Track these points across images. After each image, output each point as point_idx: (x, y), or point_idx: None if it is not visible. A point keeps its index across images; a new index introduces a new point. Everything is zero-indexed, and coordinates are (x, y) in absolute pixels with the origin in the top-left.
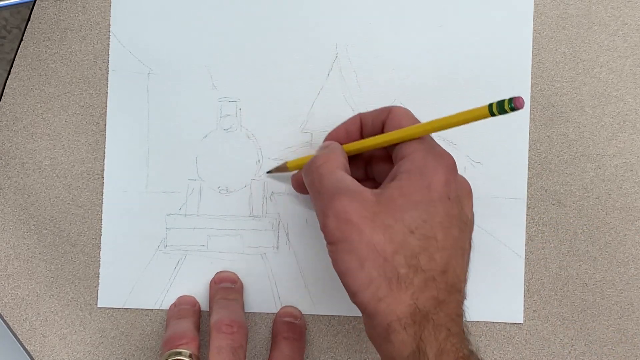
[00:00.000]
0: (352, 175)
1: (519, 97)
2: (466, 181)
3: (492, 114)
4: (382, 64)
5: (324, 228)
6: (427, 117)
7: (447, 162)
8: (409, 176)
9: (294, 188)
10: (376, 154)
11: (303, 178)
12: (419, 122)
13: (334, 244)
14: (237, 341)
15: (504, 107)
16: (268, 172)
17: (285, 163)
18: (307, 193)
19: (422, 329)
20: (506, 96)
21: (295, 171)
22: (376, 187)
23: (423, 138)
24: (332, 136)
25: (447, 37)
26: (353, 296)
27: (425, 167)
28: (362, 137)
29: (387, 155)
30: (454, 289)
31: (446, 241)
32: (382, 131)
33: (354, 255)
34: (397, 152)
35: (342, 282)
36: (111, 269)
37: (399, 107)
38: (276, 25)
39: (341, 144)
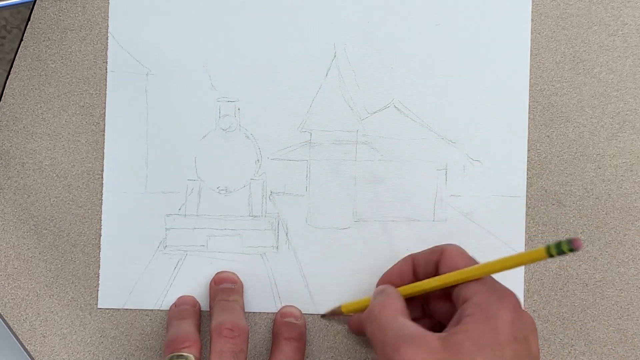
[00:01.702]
0: (410, 314)
1: (577, 239)
2: (530, 317)
3: (551, 256)
4: (381, 63)
5: None
6: (426, 116)
7: (511, 300)
8: (474, 319)
9: (352, 331)
10: (433, 293)
11: (364, 327)
12: (473, 259)
13: None
14: (238, 345)
15: (562, 248)
16: (322, 316)
17: (340, 307)
18: (364, 335)
19: None
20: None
21: (350, 314)
22: (434, 325)
23: (483, 278)
24: (384, 279)
25: (445, 36)
26: None
27: (489, 309)
28: (415, 278)
29: (445, 293)
30: None
31: None
32: (436, 271)
33: None
34: (458, 294)
35: None
36: (111, 269)
37: (452, 246)
38: (275, 24)
39: (395, 286)
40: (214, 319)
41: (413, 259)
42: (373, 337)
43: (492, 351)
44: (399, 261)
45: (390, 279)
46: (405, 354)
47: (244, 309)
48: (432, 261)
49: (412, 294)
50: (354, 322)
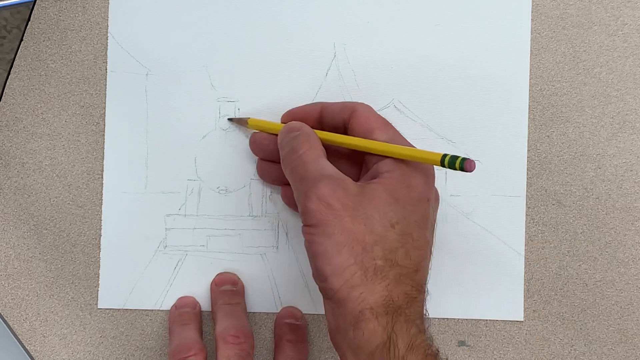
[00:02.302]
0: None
1: (470, 161)
2: (437, 191)
3: (442, 164)
4: (380, 63)
5: (304, 210)
6: (426, 116)
7: (426, 167)
8: (390, 175)
9: (252, 149)
10: (337, 151)
11: (283, 166)
12: (384, 120)
13: (312, 226)
14: (245, 350)
15: (455, 164)
16: (229, 119)
17: (247, 119)
18: (260, 156)
19: (394, 320)
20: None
21: (253, 131)
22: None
23: (402, 143)
24: (290, 116)
25: (444, 36)
26: (324, 280)
27: (406, 168)
28: (320, 126)
29: (352, 154)
30: (422, 289)
31: (421, 241)
32: (343, 126)
33: (332, 240)
34: (372, 158)
35: (314, 266)
36: (111, 269)
37: (362, 106)
38: (274, 24)
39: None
40: (218, 325)
41: (322, 108)
42: (293, 173)
43: (404, 204)
44: (308, 104)
45: (295, 117)
46: (323, 188)
47: (246, 311)
48: (342, 117)
49: (324, 141)
50: (256, 140)
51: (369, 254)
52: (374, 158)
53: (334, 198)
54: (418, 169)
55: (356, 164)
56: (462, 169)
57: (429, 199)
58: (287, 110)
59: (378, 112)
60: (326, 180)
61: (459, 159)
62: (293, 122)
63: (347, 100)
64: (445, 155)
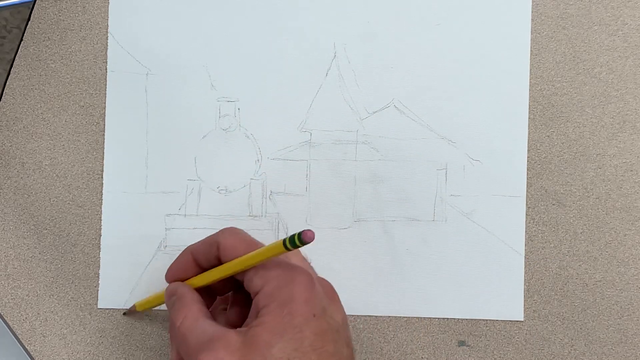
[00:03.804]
0: (226, 289)
1: (306, 231)
2: (328, 285)
3: (287, 248)
4: (380, 63)
5: None
6: (426, 116)
7: (301, 280)
8: (268, 310)
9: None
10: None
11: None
12: (250, 240)
13: None
14: None
15: (295, 241)
16: (124, 314)
17: (134, 305)
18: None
19: None
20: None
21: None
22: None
23: (270, 264)
24: (170, 276)
25: (444, 36)
26: None
27: (281, 295)
28: (200, 269)
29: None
30: None
31: None
32: (218, 261)
33: None
34: (249, 286)
35: None
36: (111, 269)
37: (224, 236)
38: (274, 24)
39: (182, 280)
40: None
41: (192, 253)
42: (180, 349)
43: (289, 335)
44: (178, 256)
45: (176, 274)
46: (204, 359)
47: None
48: (212, 254)
49: (202, 285)
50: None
51: None
52: (251, 291)
53: None
54: (292, 290)
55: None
56: (302, 242)
57: (316, 314)
58: (166, 270)
59: (379, 112)
60: (206, 349)
61: (296, 235)
62: (170, 285)
63: (211, 235)
64: (284, 240)
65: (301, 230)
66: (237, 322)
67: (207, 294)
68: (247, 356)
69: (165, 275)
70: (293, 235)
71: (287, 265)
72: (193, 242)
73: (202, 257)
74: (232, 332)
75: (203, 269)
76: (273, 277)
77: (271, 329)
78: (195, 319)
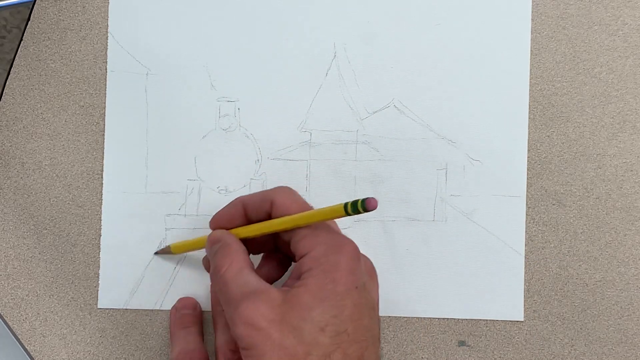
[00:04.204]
0: (263, 249)
1: (370, 199)
2: (370, 262)
3: (347, 213)
4: (380, 63)
5: (234, 336)
6: (426, 116)
7: (348, 250)
8: (312, 273)
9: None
10: (278, 233)
11: (211, 281)
12: (303, 203)
13: (246, 349)
14: None
15: (357, 207)
16: (155, 253)
17: (170, 246)
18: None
19: None
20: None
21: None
22: (286, 259)
23: (320, 230)
24: (215, 222)
25: (444, 36)
26: None
27: (327, 262)
28: (247, 221)
29: (282, 249)
30: None
31: (358, 333)
32: (268, 217)
33: None
34: (296, 247)
35: None
36: (111, 269)
37: (280, 193)
38: (274, 24)
39: (227, 229)
40: (218, 335)
41: (243, 204)
42: (220, 295)
43: (331, 302)
44: (228, 205)
45: (221, 222)
46: (245, 310)
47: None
48: (264, 210)
49: (245, 237)
50: (206, 265)
51: None
52: (297, 253)
53: (258, 317)
54: (339, 258)
55: (287, 260)
56: (365, 209)
57: (358, 286)
58: (213, 215)
59: (379, 112)
60: (248, 299)
61: (359, 201)
62: (215, 232)
63: (266, 189)
64: (346, 204)
65: (365, 197)
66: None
67: None
68: (287, 314)
69: (210, 221)
70: (356, 201)
71: (335, 233)
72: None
73: (253, 210)
74: (274, 289)
75: (249, 222)
76: (321, 242)
77: (314, 292)
78: (240, 268)
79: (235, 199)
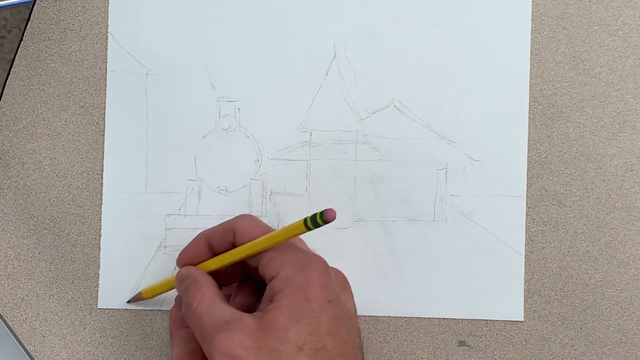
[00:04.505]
0: (234, 279)
1: (329, 210)
2: (341, 274)
3: (308, 228)
4: (380, 63)
5: None
6: (426, 116)
7: (317, 265)
8: (284, 294)
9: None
10: (247, 262)
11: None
12: (266, 226)
13: None
14: None
15: (316, 220)
16: (127, 302)
17: (140, 293)
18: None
19: None
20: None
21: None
22: (258, 287)
23: (285, 249)
24: (182, 260)
25: (444, 36)
26: None
27: (297, 280)
28: (213, 253)
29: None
30: None
31: (337, 348)
32: (234, 247)
33: None
34: (264, 271)
35: None
36: (111, 269)
37: (241, 222)
38: (275, 24)
39: (194, 265)
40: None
41: (206, 238)
42: (195, 331)
43: (306, 320)
44: (191, 241)
45: (187, 259)
46: (221, 341)
47: None
48: (227, 240)
49: (213, 270)
50: (174, 315)
51: None
52: (267, 276)
53: (234, 346)
54: (309, 275)
55: (260, 286)
56: (324, 221)
57: (331, 300)
58: (179, 254)
59: (379, 112)
60: (222, 330)
61: (318, 214)
62: (182, 269)
63: (225, 221)
64: (305, 219)
65: (322, 209)
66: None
67: None
68: (263, 339)
69: (177, 259)
70: (315, 215)
71: (302, 251)
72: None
73: (216, 243)
74: (247, 315)
75: (215, 255)
76: (289, 261)
77: (287, 312)
78: (212, 301)
79: (198, 234)
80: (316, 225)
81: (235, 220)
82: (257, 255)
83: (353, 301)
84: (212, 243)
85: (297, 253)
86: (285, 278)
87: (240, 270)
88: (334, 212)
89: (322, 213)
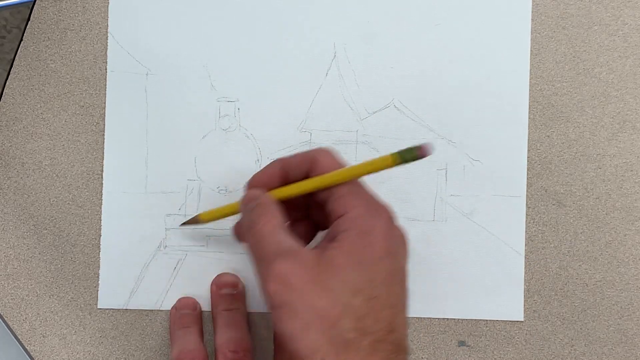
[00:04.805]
0: (291, 216)
1: (425, 145)
2: (403, 231)
3: (396, 163)
4: (380, 63)
5: (265, 292)
6: (426, 116)
7: (385, 214)
8: (348, 234)
9: (236, 239)
10: (312, 200)
11: (242, 237)
12: (346, 163)
13: (276, 308)
14: None
15: (411, 153)
16: (181, 225)
17: (198, 215)
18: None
19: None
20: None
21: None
22: (313, 228)
23: (358, 191)
24: (253, 183)
25: (444, 36)
26: None
27: (364, 224)
28: (285, 182)
29: (318, 210)
30: (400, 348)
31: (390, 299)
32: (308, 177)
33: (298, 320)
34: (333, 207)
35: (289, 348)
36: (111, 269)
37: (322, 153)
38: (274, 24)
39: (265, 189)
40: (218, 335)
41: (282, 164)
42: (252, 252)
43: (366, 266)
44: (267, 165)
45: (259, 183)
46: (278, 268)
47: (246, 316)
48: (303, 170)
49: (283, 197)
50: (237, 230)
51: (337, 329)
52: (334, 213)
53: (292, 275)
54: (376, 222)
55: (314, 229)
56: (416, 157)
57: (391, 253)
58: (251, 176)
59: (379, 112)
60: (282, 257)
61: (413, 148)
62: (251, 191)
63: (305, 150)
64: (396, 154)
65: (418, 145)
66: None
67: None
68: (320, 275)
69: (248, 182)
70: (409, 149)
71: (373, 198)
72: (193, 242)
73: (292, 170)
74: (308, 249)
75: (286, 184)
76: (359, 204)
77: (349, 254)
78: (276, 227)
79: (275, 160)
80: (407, 160)
81: (316, 151)
82: (329, 189)
83: (407, 260)
84: (287, 170)
85: (367, 196)
86: (353, 219)
87: (304, 207)
88: (430, 147)
89: (416, 147)
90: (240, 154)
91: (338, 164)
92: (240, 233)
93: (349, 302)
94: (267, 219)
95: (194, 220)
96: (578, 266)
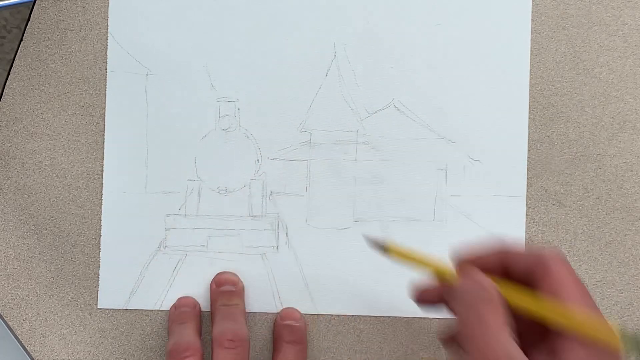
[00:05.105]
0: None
1: None
2: None
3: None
4: (381, 63)
5: None
6: (426, 116)
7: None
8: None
9: (415, 300)
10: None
11: (457, 338)
12: (582, 287)
13: None
14: (240, 355)
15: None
16: (367, 238)
17: (387, 245)
18: (430, 306)
19: None
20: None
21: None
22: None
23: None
24: (470, 260)
25: (445, 36)
26: None
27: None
28: (501, 275)
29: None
30: None
31: None
32: (532, 281)
33: None
34: (560, 346)
35: None
36: (111, 269)
37: (556, 262)
38: (274, 24)
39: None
40: (215, 327)
41: (504, 253)
42: (471, 346)
43: None
44: (486, 245)
45: (476, 262)
46: None
47: (245, 313)
48: (531, 270)
49: (510, 302)
50: (444, 336)
51: None
52: (560, 347)
53: None
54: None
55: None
56: None
57: None
58: (461, 251)
59: (379, 112)
60: None
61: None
62: (483, 278)
63: (535, 248)
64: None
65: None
66: None
67: None
68: None
69: (457, 254)
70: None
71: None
72: (193, 242)
73: (514, 266)
74: None
75: (503, 277)
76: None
77: None
78: (501, 329)
79: (496, 241)
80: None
81: (549, 258)
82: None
83: None
84: (508, 262)
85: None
86: (581, 347)
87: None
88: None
89: None
90: (241, 154)
91: (575, 287)
92: (451, 308)
93: None
94: (493, 318)
95: (379, 245)
96: (578, 266)
